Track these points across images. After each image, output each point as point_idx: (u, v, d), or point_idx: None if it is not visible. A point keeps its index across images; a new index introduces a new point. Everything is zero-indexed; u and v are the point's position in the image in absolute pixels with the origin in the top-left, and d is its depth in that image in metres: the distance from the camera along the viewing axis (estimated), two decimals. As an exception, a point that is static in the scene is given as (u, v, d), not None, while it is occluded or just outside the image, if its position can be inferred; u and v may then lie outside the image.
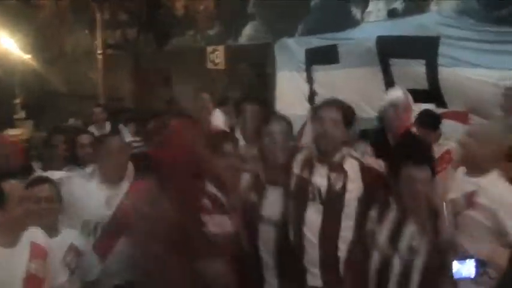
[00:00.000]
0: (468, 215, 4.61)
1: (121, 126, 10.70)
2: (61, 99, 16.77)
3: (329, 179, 4.72)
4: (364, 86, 9.68)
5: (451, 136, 7.52)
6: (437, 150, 7.11)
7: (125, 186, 5.15)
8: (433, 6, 9.66)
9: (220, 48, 13.23)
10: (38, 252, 4.20)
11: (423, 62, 9.03)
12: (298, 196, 4.80)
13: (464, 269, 2.61)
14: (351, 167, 4.76)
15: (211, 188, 4.50)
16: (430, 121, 7.35)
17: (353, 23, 10.80)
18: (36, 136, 10.74)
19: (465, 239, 4.49)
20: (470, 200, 4.61)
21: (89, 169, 5.41)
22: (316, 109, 4.92)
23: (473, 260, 2.65)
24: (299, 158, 4.93)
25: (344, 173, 4.73)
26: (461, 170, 4.93)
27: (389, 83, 9.60)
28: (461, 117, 8.42)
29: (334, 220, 4.67)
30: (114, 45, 16.96)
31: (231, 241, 4.52)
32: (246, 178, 5.09)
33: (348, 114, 4.89)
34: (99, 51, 16.33)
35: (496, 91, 8.14)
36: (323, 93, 10.32)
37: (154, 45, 15.84)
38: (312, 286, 4.71)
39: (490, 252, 2.65)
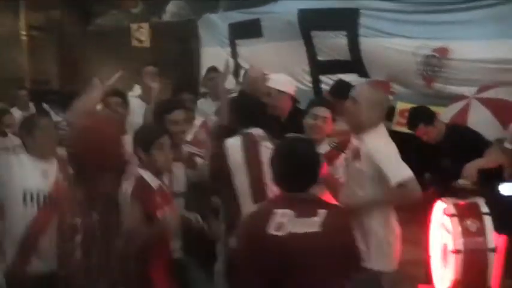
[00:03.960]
0: (355, 166, 4.91)
1: (45, 106, 10.58)
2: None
3: None
4: (287, 59, 9.77)
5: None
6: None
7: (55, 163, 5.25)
8: (352, -22, 9.72)
9: (145, 26, 13.11)
10: None
11: (344, 33, 9.16)
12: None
13: (505, 187, 3.08)
14: None
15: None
16: (343, 90, 7.46)
17: (275, -4, 10.82)
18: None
19: (355, 186, 4.86)
20: (355, 153, 4.91)
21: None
22: None
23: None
24: None
25: None
26: None
27: (312, 55, 9.73)
28: (382, 86, 8.57)
29: None
30: (38, 26, 16.70)
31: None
32: None
33: None
34: (23, 33, 16.06)
35: (415, 60, 8.33)
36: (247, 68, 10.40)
37: (78, 26, 15.66)
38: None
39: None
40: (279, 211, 3.55)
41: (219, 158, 5.21)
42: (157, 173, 4.67)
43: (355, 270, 3.84)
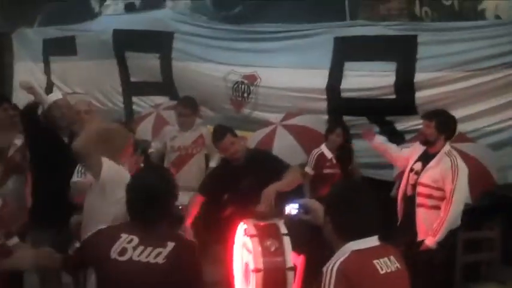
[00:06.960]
0: None
1: None
2: None
3: None
4: (100, 78, 9.84)
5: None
6: (192, 135, 7.44)
7: None
8: (168, 3, 9.91)
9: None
10: None
11: (157, 55, 9.40)
12: None
13: (290, 208, 3.41)
14: None
15: None
16: None
17: (91, 15, 10.78)
18: None
19: None
20: None
21: None
22: None
23: (297, 204, 3.41)
24: None
25: None
26: None
27: (125, 75, 9.86)
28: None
29: None
30: None
31: None
32: None
33: None
34: None
35: (225, 85, 8.64)
36: (60, 85, 10.38)
37: None
38: None
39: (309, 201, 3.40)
40: (125, 236, 3.47)
41: None
42: None
43: None
